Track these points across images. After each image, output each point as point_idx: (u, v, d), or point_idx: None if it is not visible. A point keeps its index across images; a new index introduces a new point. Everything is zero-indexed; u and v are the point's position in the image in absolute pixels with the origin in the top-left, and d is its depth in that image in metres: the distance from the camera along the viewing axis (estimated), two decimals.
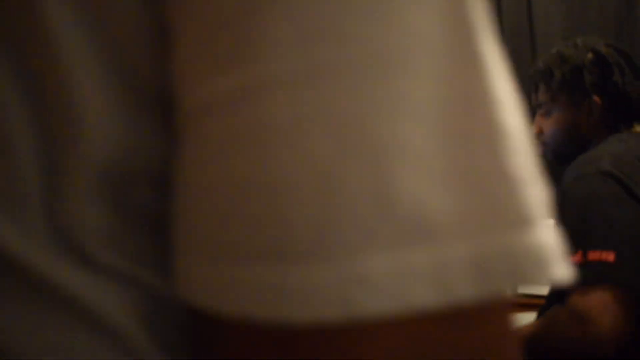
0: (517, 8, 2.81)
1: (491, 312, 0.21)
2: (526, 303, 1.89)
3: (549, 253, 0.21)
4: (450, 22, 0.20)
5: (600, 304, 1.06)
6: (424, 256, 0.18)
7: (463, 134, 0.19)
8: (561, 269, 0.21)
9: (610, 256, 1.06)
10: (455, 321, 0.19)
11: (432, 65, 0.19)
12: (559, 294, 1.15)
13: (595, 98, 1.30)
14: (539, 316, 1.34)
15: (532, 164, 0.22)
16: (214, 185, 0.19)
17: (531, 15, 2.77)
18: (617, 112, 1.30)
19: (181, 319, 0.22)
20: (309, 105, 0.18)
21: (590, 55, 1.32)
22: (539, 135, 1.41)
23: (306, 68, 0.18)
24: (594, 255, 1.08)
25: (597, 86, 1.30)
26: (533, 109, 1.44)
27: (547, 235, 0.21)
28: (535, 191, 0.21)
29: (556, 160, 1.40)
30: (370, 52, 0.18)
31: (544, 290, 1.45)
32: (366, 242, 0.18)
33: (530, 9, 2.77)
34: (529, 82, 1.47)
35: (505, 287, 0.19)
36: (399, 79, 0.18)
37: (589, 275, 1.08)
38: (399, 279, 0.18)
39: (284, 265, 0.18)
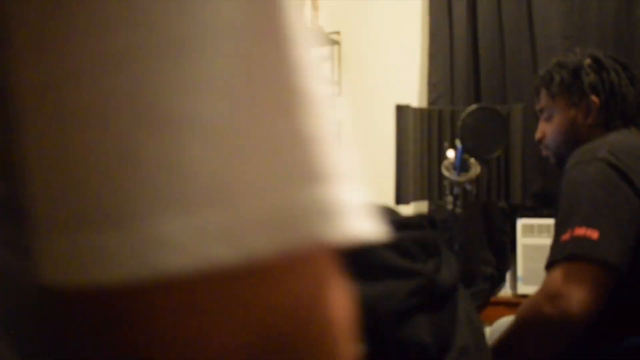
0: (517, 8, 2.81)
1: (294, 269, 0.22)
2: (519, 303, 1.94)
3: (344, 207, 0.22)
4: (253, 4, 0.22)
5: (571, 280, 1.12)
6: (219, 217, 0.20)
7: (262, 103, 0.21)
8: (357, 223, 0.23)
9: (594, 234, 1.11)
10: (256, 278, 0.21)
11: (232, 44, 0.21)
12: None
13: (593, 98, 1.34)
14: None
15: (329, 127, 0.23)
16: (41, 162, 0.21)
17: (531, 15, 2.77)
18: (615, 112, 1.34)
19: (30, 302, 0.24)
20: (110, 87, 0.20)
21: (588, 60, 1.37)
22: (542, 139, 1.45)
23: (107, 54, 0.20)
24: (579, 231, 1.13)
25: (595, 87, 1.34)
26: (536, 117, 1.49)
27: (344, 191, 0.22)
28: (331, 151, 0.23)
29: (557, 163, 1.44)
30: (168, 36, 0.20)
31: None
32: (162, 207, 0.19)
33: (530, 9, 2.77)
34: (534, 92, 1.52)
35: (300, 240, 0.21)
36: (195, 59, 0.20)
37: (573, 248, 1.14)
38: (194, 238, 0.19)
39: (93, 233, 0.20)
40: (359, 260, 0.76)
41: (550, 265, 1.18)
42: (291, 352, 0.22)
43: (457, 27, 2.94)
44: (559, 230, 1.18)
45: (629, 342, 1.13)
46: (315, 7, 3.19)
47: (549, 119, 1.44)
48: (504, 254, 2.86)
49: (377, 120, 3.30)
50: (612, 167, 1.15)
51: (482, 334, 0.97)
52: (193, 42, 0.20)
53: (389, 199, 2.66)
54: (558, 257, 1.16)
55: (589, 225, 1.12)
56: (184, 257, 0.19)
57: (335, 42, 3.36)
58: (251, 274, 0.20)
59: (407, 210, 3.06)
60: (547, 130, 1.43)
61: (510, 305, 2.71)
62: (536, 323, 1.19)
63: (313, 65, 0.24)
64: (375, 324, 0.76)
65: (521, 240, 2.61)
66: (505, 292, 2.81)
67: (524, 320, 1.24)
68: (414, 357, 0.80)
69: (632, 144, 1.25)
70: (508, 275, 2.86)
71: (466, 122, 1.81)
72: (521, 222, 2.61)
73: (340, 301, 0.24)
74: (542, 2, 2.73)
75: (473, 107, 1.85)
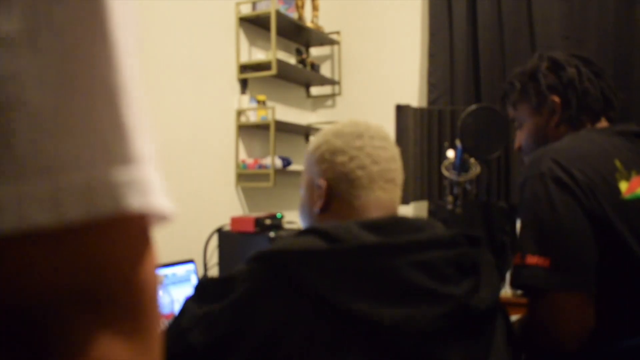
0: (517, 8, 2.82)
1: (106, 233, 0.27)
2: (518, 302, 1.94)
3: (148, 186, 0.28)
4: (80, 6, 0.26)
5: (553, 312, 1.11)
6: (42, 186, 0.24)
7: (84, 94, 0.26)
8: (158, 200, 0.29)
9: (546, 262, 1.10)
10: (72, 239, 0.25)
11: (59, 44, 0.25)
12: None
13: (554, 98, 1.33)
14: None
15: (143, 116, 0.29)
16: None
17: (531, 15, 2.78)
18: (579, 108, 1.32)
19: None
20: None
21: (545, 62, 1.37)
22: (520, 148, 1.44)
23: None
24: (531, 259, 1.12)
25: (553, 86, 1.34)
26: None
27: (150, 172, 0.28)
28: (142, 138, 0.28)
29: None
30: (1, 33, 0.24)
31: None
32: None
33: (530, 9, 2.78)
34: (500, 103, 1.52)
35: (112, 210, 0.26)
36: (24, 56, 0.24)
37: (528, 278, 1.12)
38: (19, 204, 0.24)
39: None
40: (383, 281, 0.73)
41: (518, 287, 1.17)
42: (105, 302, 0.27)
43: (457, 27, 2.94)
44: (517, 246, 1.18)
45: (621, 344, 1.12)
46: (315, 7, 3.20)
47: (520, 127, 1.43)
48: (504, 253, 2.86)
49: (377, 120, 3.30)
50: (554, 180, 1.13)
51: None
52: (20, 40, 0.24)
53: None
54: (515, 283, 1.16)
55: (539, 252, 1.11)
56: (12, 218, 0.24)
57: (335, 42, 3.36)
58: (68, 235, 0.25)
59: (407, 210, 3.06)
60: (521, 138, 1.43)
61: (510, 305, 2.71)
62: (534, 349, 1.19)
63: (133, 62, 0.29)
64: (399, 350, 0.72)
65: None
66: (505, 292, 2.82)
67: (524, 344, 1.23)
68: None
69: (582, 147, 1.21)
70: (508, 275, 2.86)
71: (466, 122, 1.81)
72: None
73: (150, 267, 0.30)
74: (542, 2, 2.73)
75: (473, 107, 1.85)
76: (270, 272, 0.74)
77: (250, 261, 0.76)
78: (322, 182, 0.95)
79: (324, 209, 0.95)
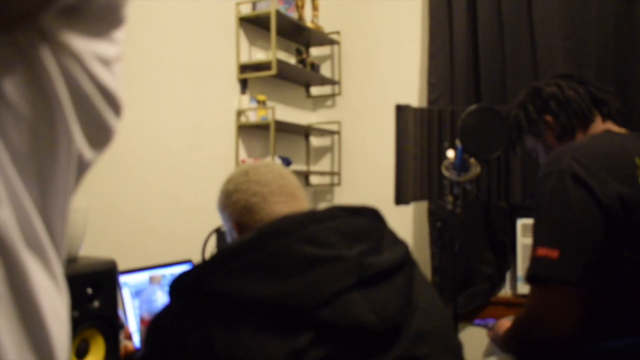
0: (517, 8, 2.81)
1: None
2: (518, 302, 1.92)
3: None
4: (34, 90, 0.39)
5: (549, 304, 1.15)
6: None
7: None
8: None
9: (554, 253, 1.13)
10: None
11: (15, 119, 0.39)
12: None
13: (546, 118, 1.44)
14: None
15: None
16: None
17: (531, 15, 2.77)
18: (568, 115, 1.41)
19: None
20: None
21: (528, 93, 1.50)
22: None
23: None
24: (541, 251, 1.16)
25: (542, 108, 1.45)
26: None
27: None
28: None
29: None
30: None
31: None
32: None
33: (530, 9, 2.77)
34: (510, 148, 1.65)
35: None
36: None
37: (536, 269, 1.16)
38: None
39: None
40: (275, 259, 0.81)
41: (527, 280, 1.20)
42: None
43: (457, 27, 2.94)
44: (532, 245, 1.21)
45: (615, 343, 1.13)
46: (315, 7, 3.20)
47: (536, 155, 1.53)
48: (504, 254, 2.86)
49: (377, 120, 3.30)
50: (572, 176, 1.16)
51: (448, 325, 0.97)
52: None
53: (389, 198, 2.66)
54: (526, 275, 1.19)
55: (549, 244, 1.14)
56: None
57: (335, 42, 3.36)
58: None
59: (407, 210, 3.06)
60: (542, 163, 1.51)
61: (510, 305, 2.71)
62: (527, 343, 1.22)
63: None
64: (310, 314, 0.78)
65: (521, 240, 2.61)
66: (505, 292, 2.82)
67: (517, 339, 1.26)
68: (360, 339, 0.81)
69: (602, 145, 1.26)
70: (508, 275, 2.86)
71: (466, 122, 1.81)
72: (521, 222, 2.61)
73: None
74: (542, 2, 2.73)
75: (473, 107, 1.85)
76: (179, 295, 0.85)
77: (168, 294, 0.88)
78: (232, 225, 1.08)
79: None
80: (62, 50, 0.41)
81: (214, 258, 0.84)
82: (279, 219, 0.88)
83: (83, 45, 0.42)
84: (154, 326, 0.85)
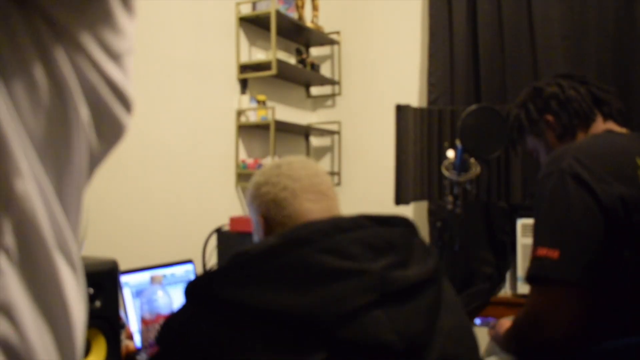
0: (517, 8, 2.81)
1: None
2: (518, 302, 1.92)
3: None
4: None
5: (548, 305, 1.14)
6: None
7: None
8: None
9: (555, 253, 1.13)
10: None
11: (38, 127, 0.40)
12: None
13: (547, 117, 1.44)
14: None
15: None
16: None
17: (531, 15, 2.77)
18: (569, 115, 1.41)
19: None
20: None
21: (529, 92, 1.50)
22: None
23: None
24: (541, 251, 1.16)
25: (542, 108, 1.45)
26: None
27: None
28: None
29: None
30: None
31: None
32: None
33: (530, 9, 2.77)
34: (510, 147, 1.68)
35: None
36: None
37: (536, 269, 1.16)
38: None
39: None
40: (293, 270, 0.77)
41: (527, 280, 1.20)
42: None
43: (457, 27, 2.94)
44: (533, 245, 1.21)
45: (615, 343, 1.13)
46: (315, 7, 3.20)
47: (537, 155, 1.54)
48: (504, 253, 2.86)
49: (377, 120, 3.31)
50: (573, 177, 1.16)
51: (473, 349, 0.91)
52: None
53: (389, 198, 2.66)
54: (526, 275, 1.19)
55: (550, 245, 1.14)
56: None
57: (335, 42, 3.36)
58: None
59: (407, 210, 3.06)
60: (543, 163, 1.51)
61: (510, 305, 2.71)
62: (527, 343, 1.21)
63: None
64: (327, 330, 0.74)
65: (521, 240, 2.61)
66: (505, 292, 2.82)
67: (517, 340, 1.26)
68: (379, 357, 0.76)
69: (603, 145, 1.26)
70: (508, 275, 2.86)
71: (466, 122, 1.81)
72: (521, 222, 2.61)
73: None
74: (542, 2, 2.73)
75: (473, 107, 1.85)
76: (194, 299, 0.82)
77: (183, 296, 0.84)
78: (259, 218, 1.05)
79: None
80: (68, 40, 0.41)
81: (230, 263, 0.81)
82: (301, 225, 0.84)
83: (89, 34, 0.42)
84: (165, 327, 0.83)
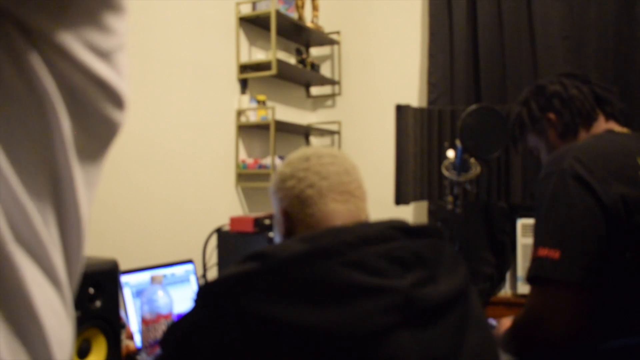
0: (517, 8, 2.82)
1: None
2: (518, 302, 1.93)
3: None
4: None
5: (548, 305, 1.15)
6: None
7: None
8: None
9: (556, 254, 1.13)
10: None
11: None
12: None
13: (549, 115, 1.45)
14: None
15: None
16: None
17: (531, 15, 2.77)
18: (571, 114, 1.41)
19: None
20: None
21: (531, 90, 1.50)
22: None
23: None
24: (542, 251, 1.16)
25: (544, 106, 1.46)
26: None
27: None
28: None
29: None
30: None
31: None
32: None
33: (530, 9, 2.77)
34: (511, 145, 1.68)
35: None
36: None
37: (537, 270, 1.15)
38: None
39: None
40: (315, 283, 0.72)
41: (528, 280, 1.20)
42: None
43: (457, 27, 2.94)
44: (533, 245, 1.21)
45: (616, 343, 1.14)
46: (315, 7, 3.20)
47: (538, 154, 1.54)
48: (504, 254, 2.86)
49: (377, 120, 3.31)
50: (574, 177, 1.16)
51: None
52: None
53: (389, 198, 2.66)
54: (527, 276, 1.19)
55: (551, 245, 1.14)
56: None
57: (335, 42, 3.36)
58: None
59: (407, 210, 3.07)
60: (543, 161, 1.50)
61: (510, 305, 2.71)
62: (527, 344, 1.22)
63: None
64: (347, 351, 0.70)
65: (521, 240, 2.61)
66: (505, 292, 2.82)
67: (517, 340, 1.26)
68: None
69: (604, 145, 1.26)
70: (508, 275, 2.86)
71: (466, 122, 1.81)
72: (521, 222, 2.61)
73: None
74: (542, 2, 2.73)
75: (473, 107, 1.85)
76: (209, 304, 0.77)
77: (195, 298, 0.80)
78: (281, 211, 1.00)
79: (287, 235, 0.98)
80: (47, 45, 0.40)
81: (247, 270, 0.76)
82: (325, 232, 0.80)
83: (71, 36, 0.41)
84: (173, 328, 0.80)
